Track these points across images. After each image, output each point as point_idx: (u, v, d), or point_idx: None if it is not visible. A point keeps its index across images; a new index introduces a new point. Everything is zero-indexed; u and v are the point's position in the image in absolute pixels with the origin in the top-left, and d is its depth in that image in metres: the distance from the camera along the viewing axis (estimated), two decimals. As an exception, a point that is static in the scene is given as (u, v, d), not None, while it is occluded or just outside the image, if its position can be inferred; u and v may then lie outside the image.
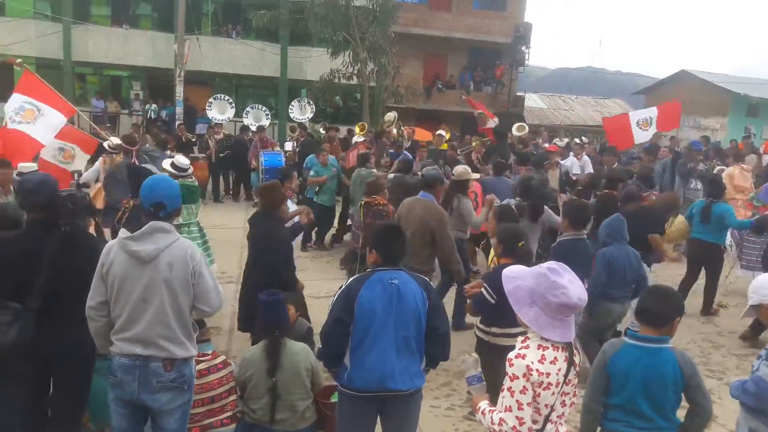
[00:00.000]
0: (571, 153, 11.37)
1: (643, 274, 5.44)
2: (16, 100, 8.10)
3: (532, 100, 29.90)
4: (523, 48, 26.76)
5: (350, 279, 3.37)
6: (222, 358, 3.83)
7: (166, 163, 6.86)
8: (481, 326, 4.43)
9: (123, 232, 3.16)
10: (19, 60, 10.21)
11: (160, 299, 3.07)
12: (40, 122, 8.00)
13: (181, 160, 6.82)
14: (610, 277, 5.21)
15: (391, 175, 8.29)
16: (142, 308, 3.07)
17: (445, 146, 12.39)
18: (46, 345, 3.37)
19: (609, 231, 5.40)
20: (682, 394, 2.97)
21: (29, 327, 3.31)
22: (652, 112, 11.49)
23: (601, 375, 3.00)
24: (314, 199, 9.51)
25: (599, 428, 3.09)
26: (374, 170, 8.85)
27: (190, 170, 6.80)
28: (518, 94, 27.79)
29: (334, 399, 4.14)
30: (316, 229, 9.59)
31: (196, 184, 6.87)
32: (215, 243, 7.72)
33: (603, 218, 5.56)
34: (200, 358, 3.62)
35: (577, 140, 13.58)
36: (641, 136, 11.07)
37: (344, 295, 3.27)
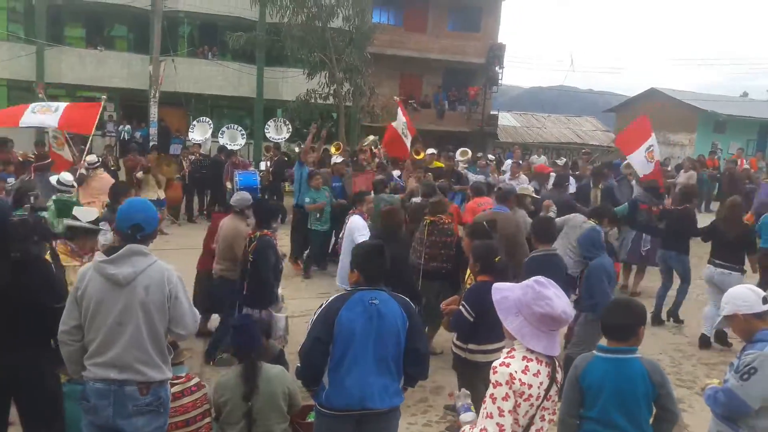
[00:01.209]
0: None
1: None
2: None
3: (506, 119, 30.34)
4: (497, 68, 27.23)
5: (331, 298, 3.38)
6: (196, 380, 3.83)
7: (53, 179, 7.32)
8: (458, 343, 4.48)
9: (99, 255, 3.17)
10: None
11: (136, 323, 3.06)
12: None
13: (66, 176, 7.28)
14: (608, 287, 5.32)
15: (416, 199, 8.22)
16: (117, 332, 3.05)
17: (437, 163, 12.49)
18: (1, 375, 3.29)
19: (592, 243, 5.48)
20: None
21: None
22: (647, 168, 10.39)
23: (575, 389, 3.06)
24: (309, 226, 9.34)
25: None
26: (395, 195, 8.86)
27: (74, 187, 7.32)
28: (492, 112, 28.21)
29: (311, 419, 4.15)
30: (306, 252, 9.56)
31: (74, 200, 7.03)
32: (188, 263, 7.71)
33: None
34: (174, 381, 3.61)
35: (557, 161, 13.83)
36: (645, 168, 10.19)
37: (324, 314, 3.28)
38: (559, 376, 2.64)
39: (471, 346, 4.30)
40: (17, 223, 3.47)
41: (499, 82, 28.07)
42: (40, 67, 21.75)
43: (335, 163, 10.12)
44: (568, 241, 6.71)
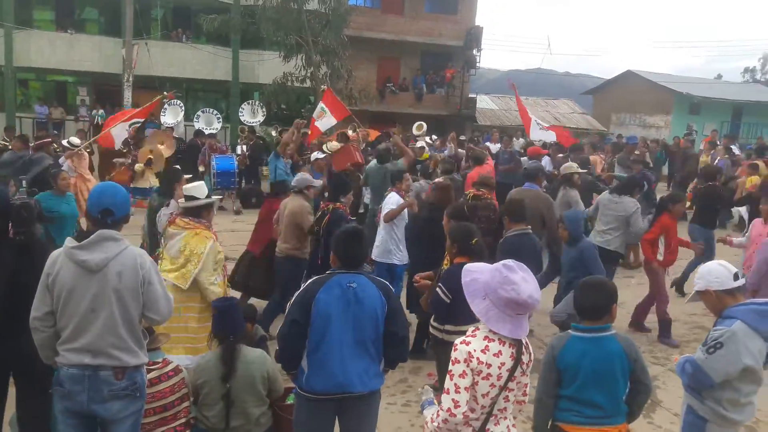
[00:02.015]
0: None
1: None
2: None
3: (484, 102, 30.34)
4: (475, 51, 27.18)
5: (309, 281, 3.38)
6: (173, 365, 3.79)
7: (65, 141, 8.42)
8: (435, 324, 4.50)
9: (69, 241, 3.11)
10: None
11: (109, 309, 3.03)
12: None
13: (74, 140, 8.62)
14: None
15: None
16: (90, 318, 3.02)
17: (426, 156, 12.31)
18: (6, 356, 3.31)
19: (578, 225, 5.76)
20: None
21: None
22: (551, 136, 13.10)
23: (551, 369, 3.09)
24: None
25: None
26: (399, 161, 8.64)
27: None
28: (470, 95, 28.21)
29: (290, 401, 4.16)
30: None
31: None
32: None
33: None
34: (151, 367, 3.57)
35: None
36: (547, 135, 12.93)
37: (301, 297, 3.28)
38: (525, 357, 2.67)
39: (448, 327, 4.32)
40: (20, 207, 3.47)
41: (477, 64, 28.03)
42: (9, 51, 21.24)
43: (316, 159, 9.93)
44: (606, 220, 7.01)
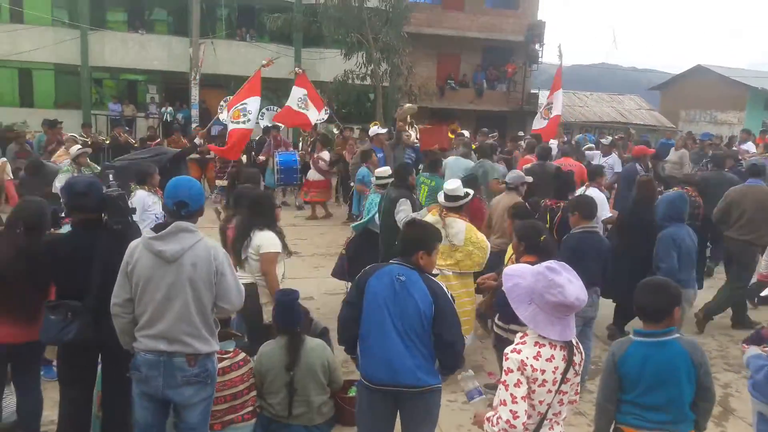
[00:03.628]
0: (615, 152, 11.52)
1: (694, 257, 5.53)
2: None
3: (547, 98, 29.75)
4: (537, 46, 26.68)
5: (368, 266, 3.45)
6: (243, 355, 3.92)
7: None
8: (500, 323, 4.46)
9: (147, 232, 3.26)
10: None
11: (184, 297, 3.15)
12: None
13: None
14: (680, 261, 5.26)
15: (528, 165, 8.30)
16: (166, 306, 3.15)
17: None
18: (103, 340, 3.45)
19: (668, 209, 5.49)
20: None
21: (89, 325, 3.42)
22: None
23: (612, 376, 3.01)
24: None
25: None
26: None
27: None
28: (532, 91, 27.68)
29: (352, 393, 4.22)
30: None
31: None
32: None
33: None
34: (223, 356, 3.71)
35: (602, 140, 13.39)
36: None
37: (357, 280, 3.40)
38: (576, 358, 2.61)
39: (513, 327, 4.26)
40: (117, 197, 3.63)
41: (539, 60, 27.51)
42: (85, 51, 22.24)
43: (377, 134, 9.94)
44: None
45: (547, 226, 5.81)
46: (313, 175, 12.20)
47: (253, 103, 9.91)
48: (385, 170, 7.21)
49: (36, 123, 15.90)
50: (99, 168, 8.57)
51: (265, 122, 15.11)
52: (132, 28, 23.79)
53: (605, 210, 6.59)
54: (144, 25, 24.08)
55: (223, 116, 14.60)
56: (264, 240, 4.50)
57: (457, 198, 5.36)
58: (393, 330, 3.22)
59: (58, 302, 3.49)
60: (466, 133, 13.06)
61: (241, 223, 4.77)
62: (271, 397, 3.83)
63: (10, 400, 4.15)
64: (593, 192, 6.59)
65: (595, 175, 7.12)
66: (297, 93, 12.11)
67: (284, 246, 4.66)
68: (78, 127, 15.49)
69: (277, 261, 4.55)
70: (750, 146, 13.68)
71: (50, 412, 3.98)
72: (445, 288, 3.35)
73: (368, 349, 3.30)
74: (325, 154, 11.61)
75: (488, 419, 2.64)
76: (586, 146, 13.14)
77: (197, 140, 9.45)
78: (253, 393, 3.88)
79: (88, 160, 8.39)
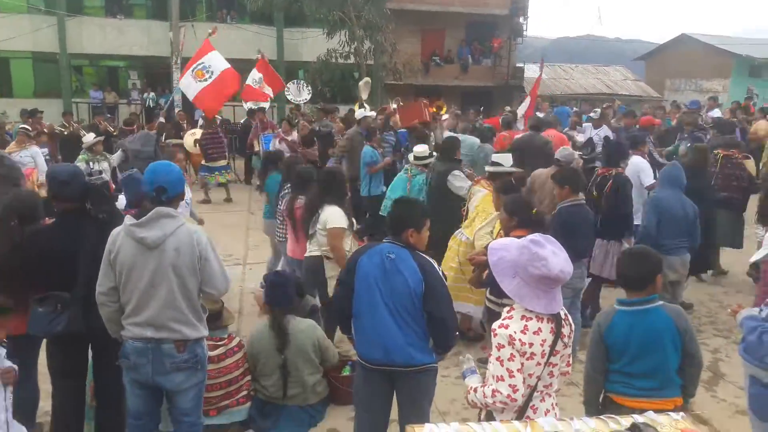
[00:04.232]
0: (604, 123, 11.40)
1: (695, 228, 5.43)
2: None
3: (532, 71, 29.53)
4: (521, 19, 26.51)
5: (362, 246, 3.48)
6: (237, 340, 3.91)
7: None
8: (492, 297, 4.45)
9: (128, 219, 3.20)
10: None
11: (168, 284, 3.12)
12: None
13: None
14: (661, 225, 5.24)
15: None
16: (151, 293, 3.12)
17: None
18: (92, 330, 3.42)
19: (663, 176, 5.50)
20: None
21: (78, 315, 3.39)
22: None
23: (599, 346, 3.02)
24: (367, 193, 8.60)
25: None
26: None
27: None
28: (518, 65, 27.57)
29: (346, 372, 4.23)
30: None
31: None
32: (221, 226, 7.83)
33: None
34: (218, 343, 3.70)
35: (591, 114, 13.37)
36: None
37: (350, 258, 3.43)
38: (565, 330, 2.61)
39: (506, 301, 4.24)
40: (100, 186, 3.58)
41: (524, 33, 27.35)
42: (62, 38, 21.85)
43: (364, 117, 9.80)
44: None
45: (594, 195, 5.86)
46: None
47: (211, 58, 10.25)
48: (424, 148, 7.15)
49: (15, 113, 15.66)
50: (111, 156, 8.56)
51: (249, 104, 14.93)
52: (110, 14, 23.39)
53: (649, 177, 6.56)
54: (122, 10, 23.67)
55: (182, 83, 14.44)
56: (331, 216, 4.79)
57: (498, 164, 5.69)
58: (384, 308, 3.20)
59: (46, 294, 3.44)
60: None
61: (310, 200, 5.09)
62: (265, 379, 3.83)
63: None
64: (636, 159, 6.61)
65: (637, 143, 7.04)
66: (254, 75, 12.48)
67: (350, 222, 4.95)
68: (59, 116, 15.28)
69: (345, 236, 4.80)
70: (716, 113, 13.79)
71: (44, 403, 3.96)
72: (435, 265, 3.30)
73: (361, 328, 3.30)
74: (294, 135, 11.45)
75: (474, 389, 2.67)
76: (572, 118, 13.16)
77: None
78: (248, 378, 3.87)
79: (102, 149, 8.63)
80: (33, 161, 8.64)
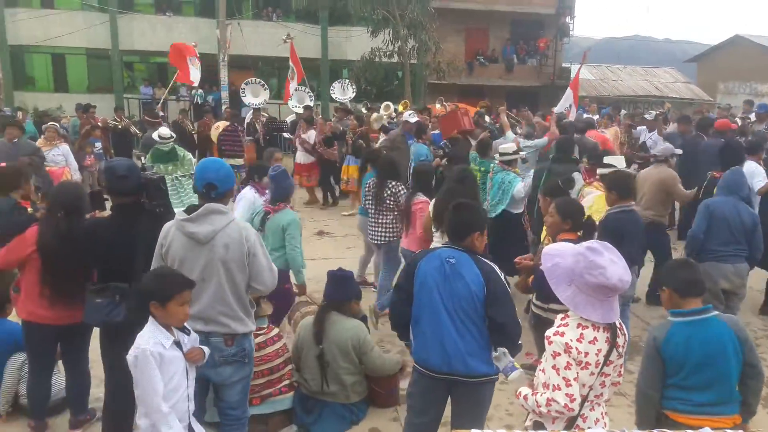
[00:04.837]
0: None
1: (754, 237, 5.18)
2: None
3: (578, 72, 29.11)
4: (567, 18, 26.05)
5: (419, 251, 3.43)
6: (276, 330, 3.99)
7: (155, 135, 8.17)
8: (538, 302, 4.35)
9: (180, 214, 3.25)
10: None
11: (218, 278, 3.17)
12: None
13: (163, 131, 8.18)
14: (712, 231, 5.06)
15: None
16: (201, 287, 3.15)
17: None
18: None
19: (722, 181, 5.34)
20: None
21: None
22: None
23: (656, 361, 2.90)
24: None
25: None
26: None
27: (171, 138, 8.08)
28: (564, 65, 27.08)
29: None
30: None
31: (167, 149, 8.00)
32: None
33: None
34: (257, 332, 3.75)
35: (646, 115, 12.97)
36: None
37: (407, 264, 3.38)
38: (620, 340, 2.53)
39: (553, 306, 4.15)
40: (157, 180, 3.65)
41: (570, 33, 26.87)
42: (114, 35, 22.47)
43: (405, 121, 9.79)
44: None
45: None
46: (300, 157, 11.73)
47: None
48: (510, 146, 6.89)
49: (70, 108, 16.15)
50: (188, 154, 8.45)
51: (293, 102, 15.02)
52: (159, 11, 23.91)
53: (761, 181, 6.39)
54: (171, 8, 24.17)
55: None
56: None
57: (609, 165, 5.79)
58: (444, 312, 3.14)
59: (104, 285, 3.53)
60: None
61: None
62: (306, 371, 3.94)
63: (59, 379, 4.27)
64: (750, 165, 6.39)
65: (755, 148, 6.84)
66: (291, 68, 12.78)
67: None
68: (111, 111, 15.70)
69: None
70: (751, 117, 13.21)
71: (96, 390, 4.08)
72: (497, 269, 3.21)
73: (421, 333, 3.23)
74: (311, 134, 11.44)
75: (524, 397, 2.61)
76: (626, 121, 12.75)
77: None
78: (290, 367, 3.96)
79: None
80: (64, 160, 8.72)
